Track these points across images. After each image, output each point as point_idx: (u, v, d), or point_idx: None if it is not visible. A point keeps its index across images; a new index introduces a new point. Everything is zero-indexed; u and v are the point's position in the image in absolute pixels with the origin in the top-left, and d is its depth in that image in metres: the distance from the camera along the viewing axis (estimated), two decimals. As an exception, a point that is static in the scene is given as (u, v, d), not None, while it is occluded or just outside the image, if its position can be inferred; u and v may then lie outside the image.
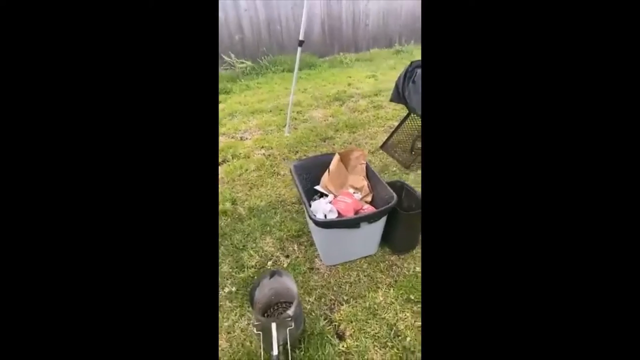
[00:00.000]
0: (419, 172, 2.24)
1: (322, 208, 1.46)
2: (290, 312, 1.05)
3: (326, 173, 1.64)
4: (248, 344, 1.21)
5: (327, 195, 1.62)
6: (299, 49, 2.43)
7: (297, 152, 2.59)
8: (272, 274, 1.19)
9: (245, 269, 1.52)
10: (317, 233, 1.43)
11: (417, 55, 5.60)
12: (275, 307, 1.29)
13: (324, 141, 2.77)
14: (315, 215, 1.28)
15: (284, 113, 3.37)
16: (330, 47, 5.79)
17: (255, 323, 1.03)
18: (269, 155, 2.56)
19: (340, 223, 1.30)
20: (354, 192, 1.60)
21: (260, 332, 1.03)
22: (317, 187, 1.66)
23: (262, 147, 2.69)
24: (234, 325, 1.28)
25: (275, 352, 0.99)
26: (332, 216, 1.44)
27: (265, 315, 1.27)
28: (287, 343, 1.03)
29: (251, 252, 1.62)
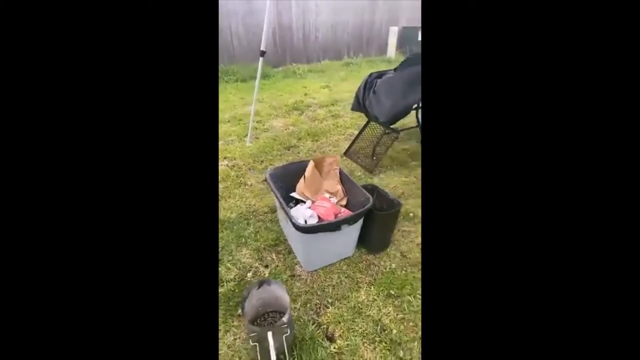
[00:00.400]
0: (382, 175, 2.39)
1: (302, 214, 1.48)
2: (285, 318, 1.05)
3: (302, 180, 1.66)
4: (237, 359, 1.17)
5: (303, 202, 1.64)
6: (261, 59, 2.44)
7: (262, 161, 2.57)
8: (261, 284, 1.17)
9: (225, 283, 1.46)
10: (297, 239, 1.45)
11: (366, 68, 5.95)
12: (263, 318, 1.27)
13: (288, 150, 2.79)
14: (297, 221, 1.29)
15: (243, 123, 3.32)
16: (282, 58, 5.87)
17: (251, 334, 1.01)
18: (233, 165, 2.49)
19: (323, 227, 1.34)
20: (329, 197, 1.65)
21: (257, 343, 1.01)
22: (293, 194, 1.68)
23: (225, 157, 2.61)
24: (219, 343, 1.22)
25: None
26: (313, 221, 1.47)
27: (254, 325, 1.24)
28: (284, 351, 1.03)
29: (228, 265, 1.57)
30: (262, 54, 2.42)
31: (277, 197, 1.45)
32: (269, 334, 1.00)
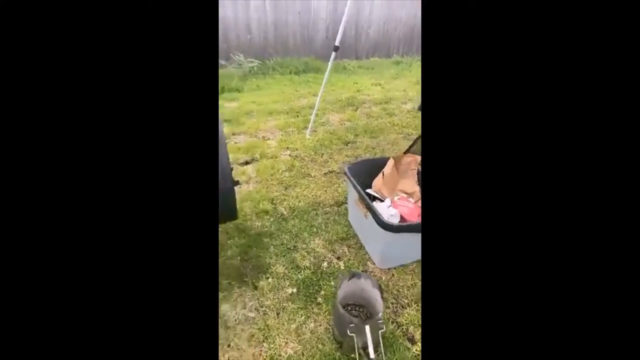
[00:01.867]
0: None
1: (384, 211, 1.47)
2: (381, 314, 1.06)
3: (379, 176, 1.66)
4: (321, 346, 1.20)
5: (379, 200, 1.64)
6: (333, 53, 2.45)
7: (322, 154, 2.60)
8: (352, 276, 1.19)
9: (302, 270, 1.50)
10: (376, 236, 1.44)
11: (416, 67, 5.81)
12: (346, 309, 1.29)
13: (347, 145, 2.79)
14: (387, 219, 1.29)
15: (300, 115, 3.37)
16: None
17: (350, 325, 1.02)
18: (296, 156, 2.54)
19: (410, 227, 1.32)
20: (407, 197, 1.64)
21: (354, 334, 1.02)
22: (369, 191, 1.68)
23: (287, 148, 2.66)
24: (303, 327, 1.26)
25: (372, 355, 0.99)
26: (395, 220, 1.46)
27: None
28: (380, 347, 1.04)
29: (303, 253, 1.60)
30: (336, 49, 2.42)
31: (359, 192, 1.45)
32: (367, 328, 1.01)
